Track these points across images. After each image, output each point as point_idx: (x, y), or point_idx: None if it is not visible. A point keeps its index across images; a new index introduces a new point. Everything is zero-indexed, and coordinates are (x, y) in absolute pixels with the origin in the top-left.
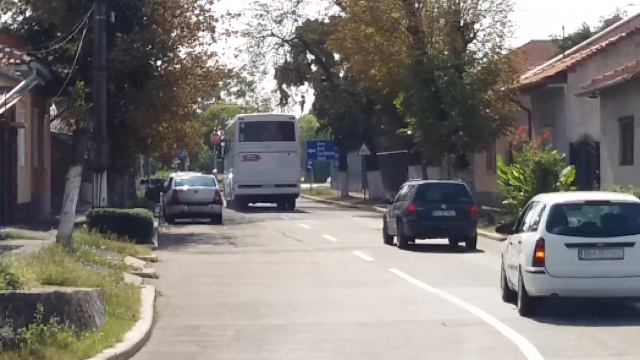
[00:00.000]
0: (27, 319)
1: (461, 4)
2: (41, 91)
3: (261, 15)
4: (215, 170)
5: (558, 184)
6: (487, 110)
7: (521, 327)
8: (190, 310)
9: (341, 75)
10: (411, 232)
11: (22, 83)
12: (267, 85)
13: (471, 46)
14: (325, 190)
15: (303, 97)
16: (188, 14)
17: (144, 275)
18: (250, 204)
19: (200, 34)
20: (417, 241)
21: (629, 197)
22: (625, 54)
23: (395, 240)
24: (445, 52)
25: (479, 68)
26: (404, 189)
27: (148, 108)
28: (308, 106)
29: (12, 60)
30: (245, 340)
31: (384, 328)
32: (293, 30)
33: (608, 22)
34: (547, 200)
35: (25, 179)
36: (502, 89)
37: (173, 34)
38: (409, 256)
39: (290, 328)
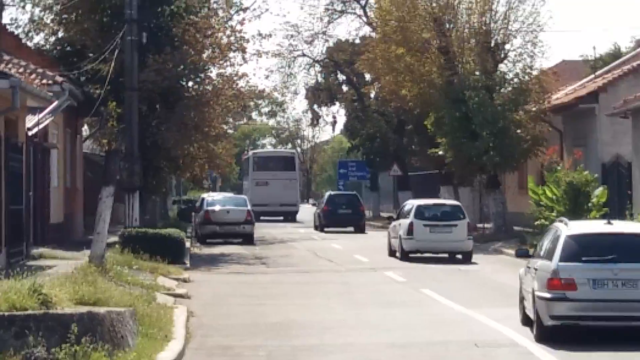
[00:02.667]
0: (60, 339)
1: (492, 25)
2: (73, 112)
3: (292, 36)
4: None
5: (590, 204)
6: (518, 131)
7: (554, 348)
8: (223, 330)
9: (372, 95)
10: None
11: (55, 104)
12: (298, 105)
13: (502, 66)
14: None
15: (334, 117)
16: (219, 34)
17: (176, 296)
18: (262, 217)
19: (231, 54)
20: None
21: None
22: None
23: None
24: (476, 73)
25: (510, 88)
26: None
27: (179, 128)
28: (339, 126)
29: (44, 81)
30: None
31: (415, 349)
32: (324, 51)
33: (639, 42)
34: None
35: (58, 199)
36: (533, 109)
37: (204, 55)
38: (442, 277)
39: (322, 349)
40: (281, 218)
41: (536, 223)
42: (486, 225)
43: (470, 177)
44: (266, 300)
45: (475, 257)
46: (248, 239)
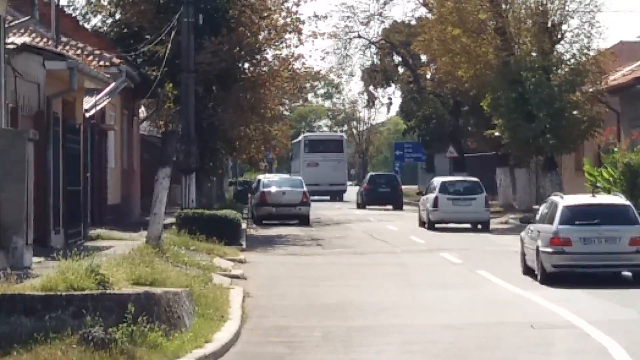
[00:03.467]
0: (117, 319)
1: (548, 5)
2: (130, 93)
3: (348, 17)
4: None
5: None
6: (575, 112)
7: (610, 329)
8: (278, 311)
9: (428, 77)
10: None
11: (112, 85)
12: (354, 87)
13: (559, 47)
14: (413, 192)
15: (390, 99)
16: (275, 16)
17: (232, 277)
18: (312, 197)
19: (287, 36)
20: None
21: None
22: None
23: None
24: (533, 54)
25: (566, 69)
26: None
27: (236, 110)
28: (395, 108)
29: (101, 63)
30: (333, 342)
31: (471, 330)
32: (380, 32)
33: None
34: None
35: (115, 180)
36: (590, 90)
37: (260, 37)
38: (497, 259)
39: (378, 329)
40: (328, 197)
41: None
42: None
43: (527, 158)
44: (321, 282)
45: None
46: (304, 221)
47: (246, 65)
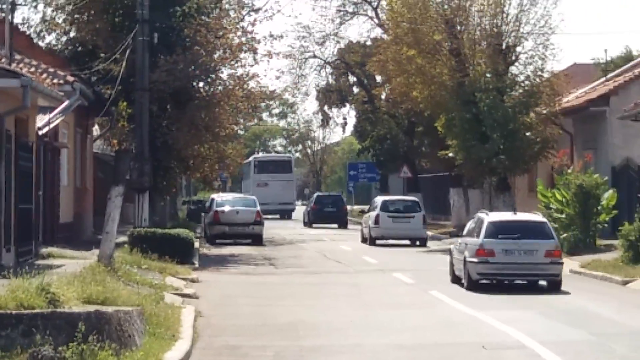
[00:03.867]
0: (67, 337)
1: (503, 27)
2: (84, 111)
3: (303, 37)
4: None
5: (600, 207)
6: (529, 134)
7: (560, 350)
8: (230, 330)
9: (383, 97)
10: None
11: (66, 103)
12: (309, 106)
13: (513, 69)
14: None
15: (345, 119)
16: (230, 35)
17: (184, 296)
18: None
19: (242, 55)
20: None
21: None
22: None
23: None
24: (487, 75)
25: (520, 91)
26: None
27: (190, 129)
28: (349, 128)
29: (55, 81)
30: None
31: (423, 350)
32: (335, 52)
33: None
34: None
35: (67, 198)
36: (544, 111)
37: (215, 56)
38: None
39: (330, 349)
40: (278, 216)
41: None
42: None
43: (480, 179)
44: (275, 301)
45: None
46: (257, 240)
47: (201, 84)
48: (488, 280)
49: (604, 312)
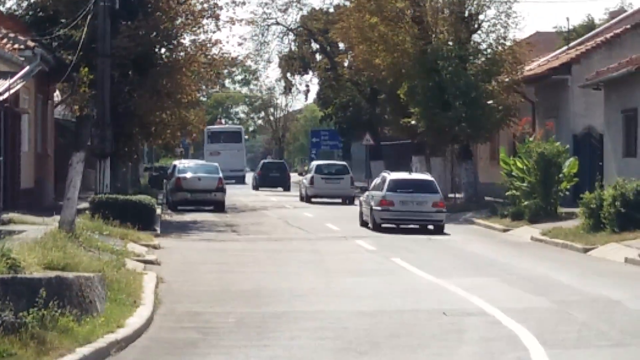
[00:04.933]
0: (28, 303)
1: None
2: (45, 77)
3: (266, 4)
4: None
5: (561, 175)
6: (491, 102)
7: (521, 317)
8: (192, 297)
9: (346, 64)
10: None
11: (26, 69)
12: (271, 74)
13: (476, 37)
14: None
15: (307, 86)
16: (193, 1)
17: (146, 262)
18: None
19: (204, 21)
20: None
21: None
22: (630, 47)
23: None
24: (450, 43)
25: (483, 59)
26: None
27: (152, 95)
28: (312, 95)
29: (16, 46)
30: (247, 328)
31: (385, 317)
32: (298, 19)
33: (613, 14)
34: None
35: (28, 164)
36: (506, 80)
37: (177, 22)
38: (412, 246)
39: (292, 316)
40: (233, 181)
41: (507, 193)
42: (457, 195)
43: (443, 147)
44: (237, 268)
45: (446, 227)
46: (219, 207)
47: (163, 50)
48: (389, 224)
49: (564, 279)
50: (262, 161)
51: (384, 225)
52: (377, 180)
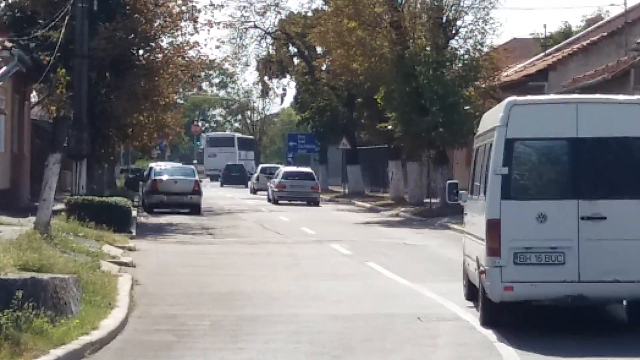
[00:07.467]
0: (2, 304)
1: (444, 1)
2: (22, 78)
3: (244, 7)
4: (195, 161)
5: None
6: (468, 107)
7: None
8: (167, 299)
9: (323, 68)
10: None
11: (3, 69)
12: (249, 77)
13: (453, 43)
14: None
15: (284, 89)
16: (171, 3)
17: (121, 264)
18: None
19: (182, 24)
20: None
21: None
22: (607, 54)
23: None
24: (427, 48)
25: (460, 65)
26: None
27: (129, 97)
28: (289, 99)
29: None
30: (222, 331)
31: (360, 321)
32: (276, 23)
33: (590, 22)
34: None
35: (4, 165)
36: (483, 86)
37: (155, 24)
38: (387, 251)
39: (267, 319)
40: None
41: None
42: (433, 200)
43: (419, 152)
44: (212, 271)
45: (421, 232)
46: (195, 209)
47: (140, 52)
48: (283, 200)
49: None
50: (226, 164)
51: (279, 201)
52: (277, 172)
